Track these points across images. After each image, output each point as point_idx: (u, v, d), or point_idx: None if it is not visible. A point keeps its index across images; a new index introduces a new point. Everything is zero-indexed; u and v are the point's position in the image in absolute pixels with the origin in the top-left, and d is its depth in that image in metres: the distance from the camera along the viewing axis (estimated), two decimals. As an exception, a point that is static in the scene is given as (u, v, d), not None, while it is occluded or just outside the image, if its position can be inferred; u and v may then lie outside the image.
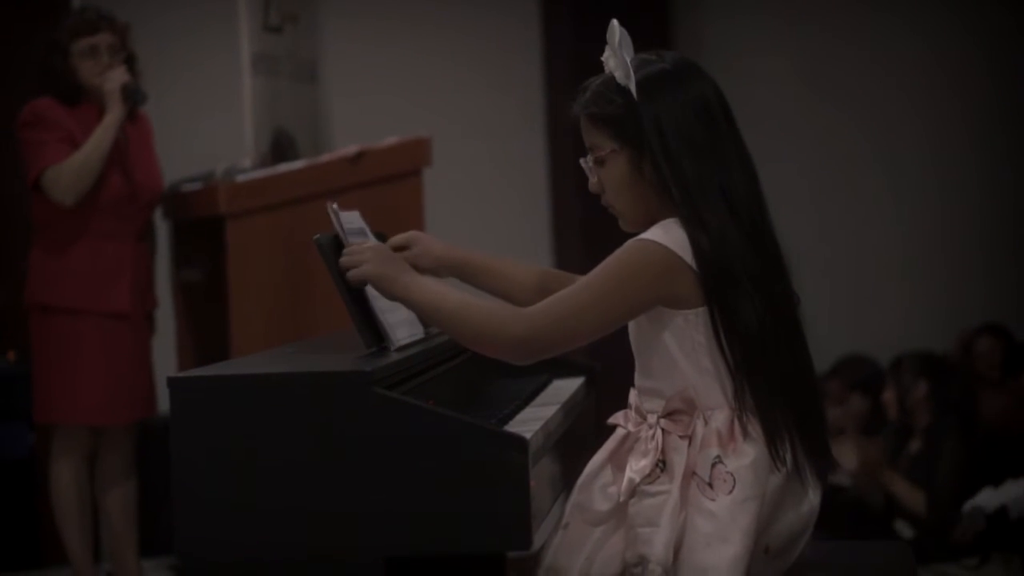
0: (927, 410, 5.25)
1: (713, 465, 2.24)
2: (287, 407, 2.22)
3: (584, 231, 6.13)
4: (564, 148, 6.20)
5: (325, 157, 4.24)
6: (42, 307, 4.21)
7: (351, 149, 4.09)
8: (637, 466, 2.29)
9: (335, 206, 2.51)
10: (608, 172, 2.37)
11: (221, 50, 5.15)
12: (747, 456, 2.25)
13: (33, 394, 4.27)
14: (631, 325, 2.37)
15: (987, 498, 4.74)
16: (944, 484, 5.05)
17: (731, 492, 2.23)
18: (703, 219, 2.25)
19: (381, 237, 2.77)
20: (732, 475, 2.23)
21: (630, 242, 2.29)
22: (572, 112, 2.43)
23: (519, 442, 2.19)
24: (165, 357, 4.50)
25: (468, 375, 2.91)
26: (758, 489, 2.24)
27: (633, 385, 2.42)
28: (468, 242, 6.23)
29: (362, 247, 2.46)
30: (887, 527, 5.05)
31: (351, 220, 2.62)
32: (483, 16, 6.28)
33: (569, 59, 6.12)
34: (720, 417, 2.27)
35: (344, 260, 2.43)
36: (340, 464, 2.20)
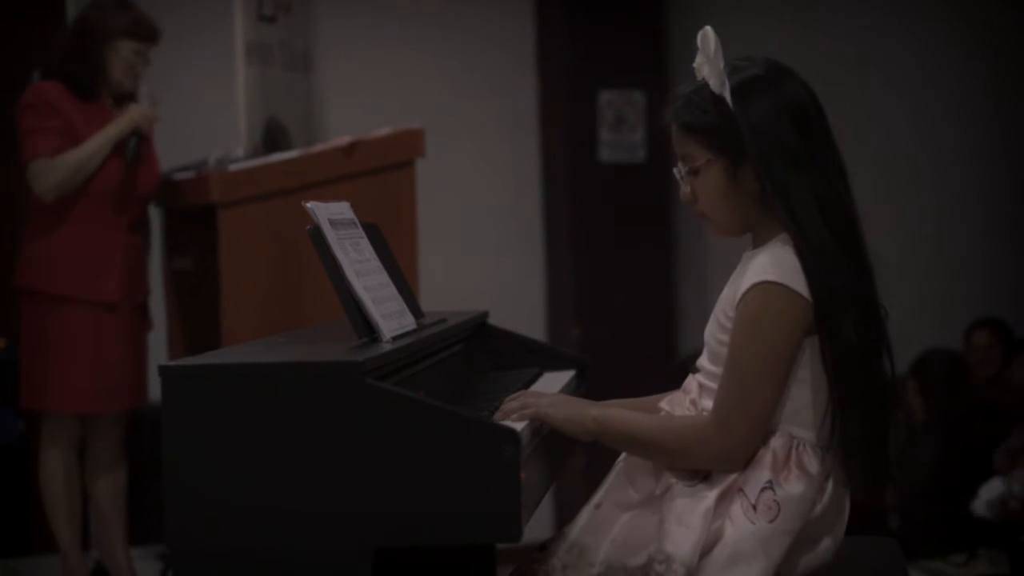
0: (922, 411, 5.28)
1: (763, 489, 2.24)
2: (278, 396, 2.22)
3: (574, 229, 6.13)
4: (556, 145, 6.20)
5: (318, 147, 4.24)
6: (31, 293, 4.21)
7: (344, 139, 4.09)
8: (679, 470, 2.30)
9: (310, 204, 2.51)
10: (703, 182, 2.34)
11: (215, 39, 5.13)
12: (797, 488, 2.24)
13: (20, 380, 4.27)
14: (711, 322, 2.36)
15: (988, 494, 4.76)
16: (918, 485, 5.07)
17: (773, 521, 2.23)
18: (803, 230, 2.24)
19: (373, 228, 2.77)
20: (779, 504, 2.23)
21: (754, 293, 2.24)
22: (663, 121, 2.40)
23: (510, 434, 2.18)
24: (156, 345, 4.50)
25: (460, 367, 2.91)
26: (798, 524, 2.24)
27: (688, 370, 2.42)
28: (460, 237, 6.27)
29: (535, 394, 2.47)
30: (880, 522, 5.08)
31: (340, 211, 2.62)
32: (477, 5, 6.27)
33: (562, 55, 6.12)
34: (778, 441, 2.26)
35: (512, 405, 2.40)
36: (330, 454, 2.20)
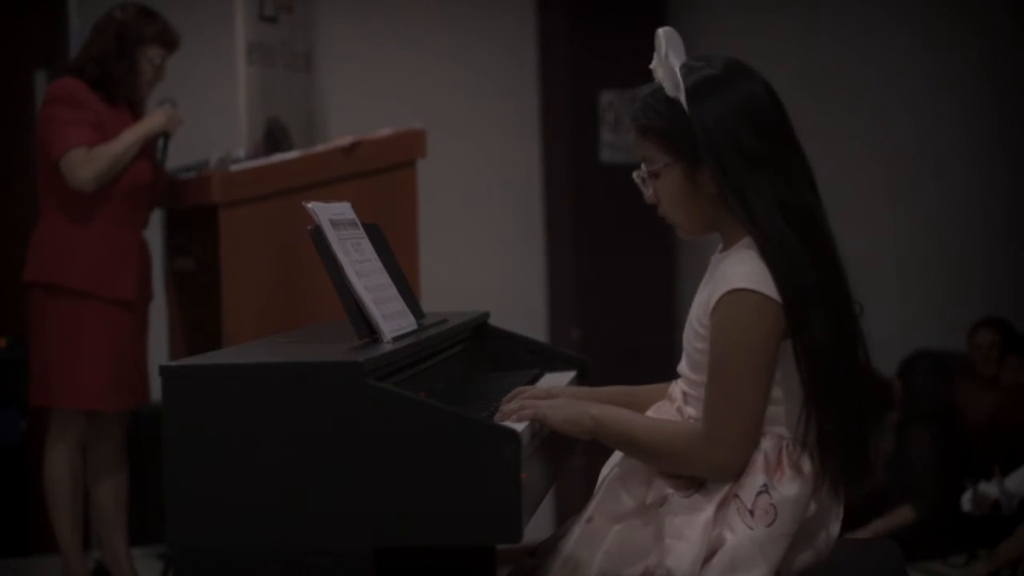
0: (901, 407, 5.28)
1: (759, 494, 2.23)
2: (279, 397, 2.22)
3: (575, 230, 6.12)
4: (557, 146, 6.20)
5: (319, 147, 4.24)
6: (47, 287, 4.20)
7: (345, 139, 4.09)
8: (673, 478, 2.29)
9: (311, 205, 2.51)
10: (663, 185, 2.34)
11: (216, 39, 5.14)
12: (792, 490, 2.24)
13: (31, 376, 4.27)
14: (688, 329, 2.35)
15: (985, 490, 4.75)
16: (924, 486, 5.07)
17: (770, 525, 2.22)
18: (764, 230, 2.23)
19: (374, 228, 2.77)
20: (775, 507, 2.23)
21: (727, 302, 2.24)
22: (627, 125, 2.40)
23: (510, 435, 2.19)
24: (157, 345, 4.50)
25: (460, 367, 2.92)
26: (794, 527, 2.24)
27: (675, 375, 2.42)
28: (461, 238, 6.25)
29: (533, 394, 2.46)
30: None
31: (341, 212, 2.62)
32: (479, 5, 6.27)
33: (564, 55, 6.12)
34: (769, 443, 2.26)
35: (510, 407, 2.41)
36: (331, 454, 2.20)
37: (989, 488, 4.62)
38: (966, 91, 6.27)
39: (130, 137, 4.18)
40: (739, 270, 2.25)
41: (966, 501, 4.68)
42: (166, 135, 4.28)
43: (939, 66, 6.28)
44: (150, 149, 4.27)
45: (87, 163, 4.10)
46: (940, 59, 6.28)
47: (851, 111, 6.28)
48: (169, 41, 4.32)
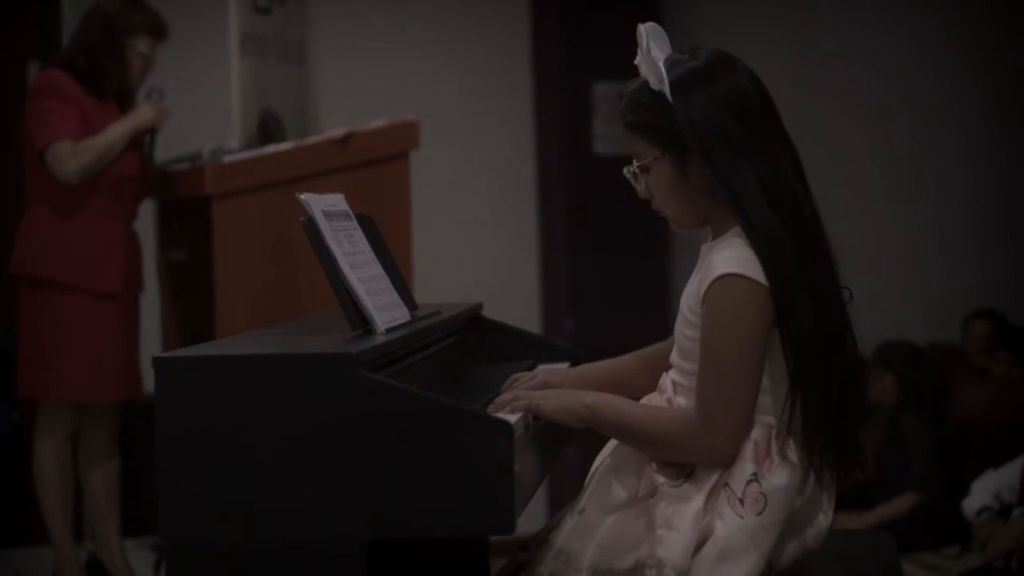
0: (892, 398, 5.27)
1: (748, 483, 2.24)
2: (272, 388, 2.22)
3: (568, 221, 6.12)
4: (551, 137, 6.20)
5: (312, 139, 4.24)
6: (32, 279, 4.20)
7: (339, 131, 4.09)
8: (663, 468, 2.29)
9: (303, 196, 2.51)
10: (654, 179, 2.35)
11: (209, 30, 5.14)
12: (781, 479, 2.24)
13: (19, 368, 4.26)
14: (679, 318, 2.36)
15: (981, 492, 4.75)
16: (926, 476, 5.07)
17: (760, 513, 2.23)
18: (750, 219, 2.23)
19: (367, 220, 2.77)
20: (765, 496, 2.23)
21: (718, 288, 2.24)
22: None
23: (504, 426, 2.19)
24: (150, 337, 4.49)
25: (454, 359, 2.91)
26: (784, 515, 2.24)
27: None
28: (454, 229, 6.25)
29: (530, 384, 2.47)
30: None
31: (334, 203, 2.62)
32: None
33: (557, 47, 6.12)
34: (758, 432, 2.26)
35: (504, 398, 2.42)
36: (324, 446, 2.20)
37: (984, 494, 4.63)
38: (966, 90, 6.26)
39: (118, 130, 4.16)
40: (727, 255, 2.26)
41: (969, 511, 4.68)
42: (153, 130, 4.26)
43: (939, 66, 6.27)
44: (137, 142, 4.26)
45: (74, 155, 4.09)
46: (940, 59, 6.27)
47: (849, 109, 6.27)
48: (157, 30, 4.29)
